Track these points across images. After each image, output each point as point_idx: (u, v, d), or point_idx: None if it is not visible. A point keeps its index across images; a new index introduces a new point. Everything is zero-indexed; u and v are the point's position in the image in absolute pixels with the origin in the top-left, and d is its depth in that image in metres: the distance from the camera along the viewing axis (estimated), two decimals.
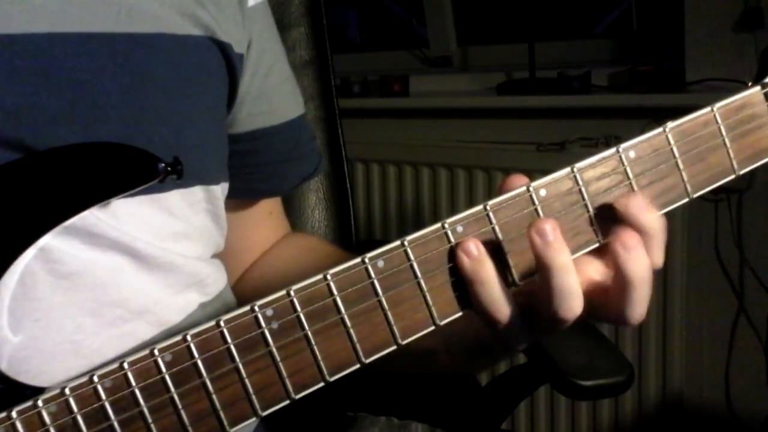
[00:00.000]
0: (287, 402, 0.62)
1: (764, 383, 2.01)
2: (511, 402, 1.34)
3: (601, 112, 2.19)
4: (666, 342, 2.11)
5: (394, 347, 0.64)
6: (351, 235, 1.49)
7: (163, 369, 0.58)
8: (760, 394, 2.04)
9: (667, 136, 0.71)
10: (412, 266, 0.64)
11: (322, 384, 0.62)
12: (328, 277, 0.62)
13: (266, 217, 1.00)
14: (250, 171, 0.92)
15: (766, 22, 1.88)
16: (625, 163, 0.70)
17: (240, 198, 0.92)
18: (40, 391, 0.58)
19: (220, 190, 0.84)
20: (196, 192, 0.79)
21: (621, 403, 2.17)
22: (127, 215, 0.72)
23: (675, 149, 0.71)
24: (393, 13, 3.18)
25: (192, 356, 0.59)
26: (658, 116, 2.06)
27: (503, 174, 2.27)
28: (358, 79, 2.70)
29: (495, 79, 2.46)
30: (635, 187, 0.70)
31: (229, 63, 0.83)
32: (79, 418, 0.57)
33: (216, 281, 0.84)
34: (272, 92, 0.91)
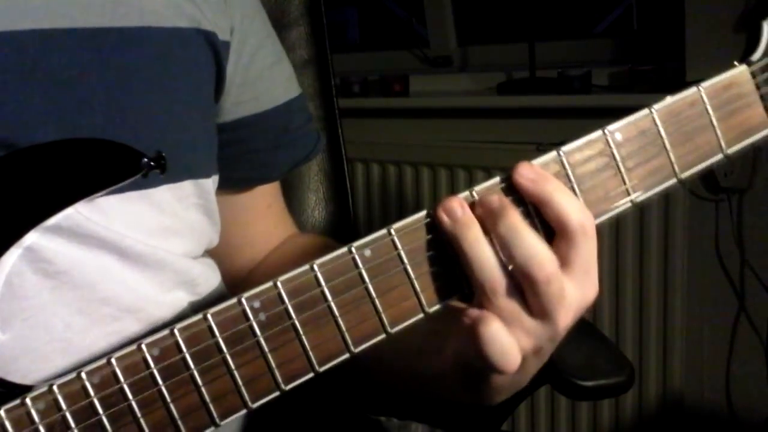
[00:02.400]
0: (277, 393, 0.61)
1: (765, 383, 2.01)
2: (511, 402, 1.33)
3: (601, 112, 2.18)
4: (666, 342, 2.11)
5: (383, 336, 0.64)
6: (351, 235, 1.48)
7: (151, 363, 0.58)
8: (760, 394, 2.04)
9: (653, 117, 0.71)
10: (399, 254, 0.64)
11: (312, 375, 0.62)
12: (315, 267, 0.62)
13: (265, 210, 0.99)
14: (239, 159, 0.91)
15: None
16: (612, 145, 0.69)
17: (230, 188, 0.91)
18: (27, 389, 0.58)
19: (211, 183, 0.83)
20: (186, 186, 0.79)
21: (621, 403, 2.17)
22: (115, 212, 0.71)
23: (662, 130, 0.71)
24: (393, 13, 3.17)
25: (180, 350, 0.59)
26: None
27: (503, 174, 2.27)
28: (358, 79, 2.70)
29: (495, 79, 2.46)
30: (622, 169, 0.69)
31: (215, 52, 0.83)
32: (68, 415, 0.56)
33: (208, 281, 0.83)
34: (257, 78, 0.90)
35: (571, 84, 2.26)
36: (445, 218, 0.64)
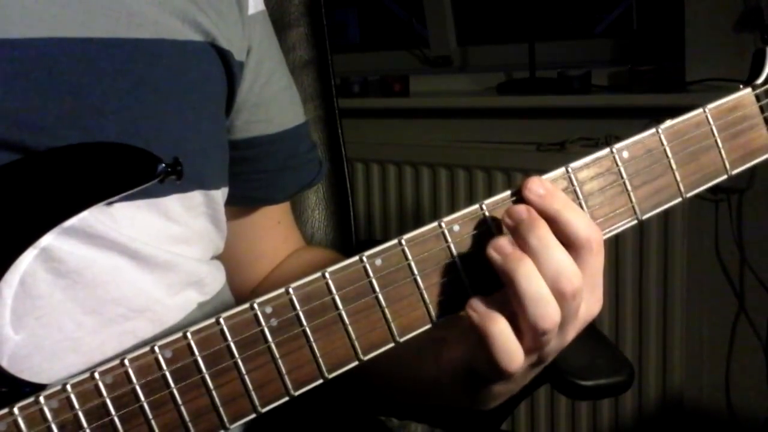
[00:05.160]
0: (287, 399, 0.62)
1: (764, 383, 2.01)
2: (511, 402, 1.33)
3: (601, 112, 2.20)
4: (666, 342, 2.11)
5: (392, 345, 0.65)
6: (351, 235, 1.49)
7: (164, 366, 0.59)
8: (760, 394, 2.04)
9: (660, 137, 0.72)
10: (409, 265, 0.65)
11: (321, 381, 0.63)
12: (327, 275, 0.62)
13: (274, 226, 1.00)
14: (246, 178, 0.92)
15: (766, 22, 1.88)
16: (619, 163, 0.70)
17: (236, 205, 0.92)
18: (40, 388, 0.58)
19: (221, 194, 0.84)
20: (195, 196, 0.80)
21: (621, 403, 2.17)
22: (126, 219, 0.72)
23: (668, 149, 0.72)
24: (393, 13, 3.18)
25: (192, 353, 0.59)
26: (658, 116, 2.05)
27: (503, 174, 2.27)
28: (358, 79, 2.70)
29: (495, 79, 2.47)
30: (629, 187, 0.70)
31: (228, 70, 0.83)
32: (81, 414, 0.57)
33: (215, 280, 0.84)
34: (270, 101, 0.91)
35: (570, 84, 2.26)
36: (495, 255, 0.64)
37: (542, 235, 0.64)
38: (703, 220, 2.06)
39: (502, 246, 0.64)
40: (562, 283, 0.63)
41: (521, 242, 0.64)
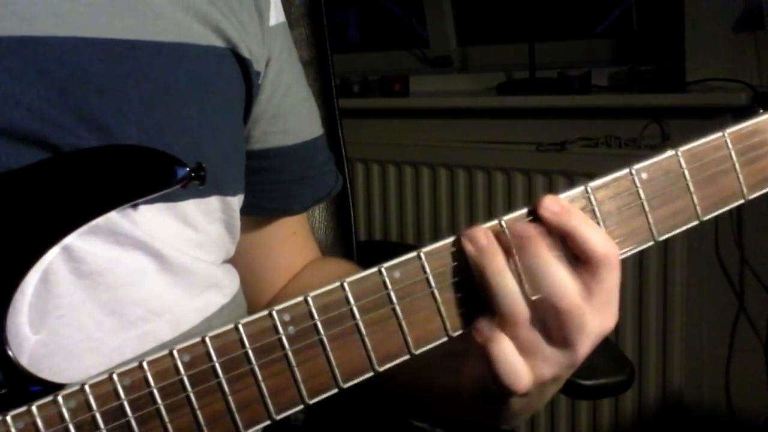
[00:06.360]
0: (301, 407, 0.62)
1: (764, 383, 2.02)
2: None
3: (601, 112, 2.20)
4: (666, 342, 2.12)
5: (407, 356, 0.65)
6: (351, 236, 1.49)
7: (182, 370, 0.59)
8: (760, 394, 2.04)
9: (679, 159, 0.72)
10: (427, 278, 0.65)
11: (336, 390, 0.63)
12: (345, 285, 0.63)
13: (289, 237, 1.00)
14: (263, 189, 0.92)
15: (766, 22, 1.89)
16: (638, 184, 0.71)
17: (251, 215, 0.92)
18: (57, 387, 0.59)
19: (237, 201, 0.84)
20: (213, 202, 0.80)
21: (621, 402, 2.18)
22: (147, 221, 0.72)
23: (686, 172, 0.73)
24: (393, 13, 3.18)
25: (210, 358, 0.59)
26: (658, 116, 2.07)
27: (503, 174, 2.27)
28: (358, 79, 2.71)
29: (495, 79, 2.47)
30: (647, 208, 0.71)
31: (247, 78, 0.83)
32: (98, 416, 0.57)
33: (231, 283, 0.84)
34: (288, 112, 0.91)
35: (570, 84, 2.27)
36: (469, 247, 0.66)
37: (538, 253, 0.65)
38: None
39: (477, 239, 0.66)
40: (556, 298, 0.65)
41: (520, 259, 0.65)
